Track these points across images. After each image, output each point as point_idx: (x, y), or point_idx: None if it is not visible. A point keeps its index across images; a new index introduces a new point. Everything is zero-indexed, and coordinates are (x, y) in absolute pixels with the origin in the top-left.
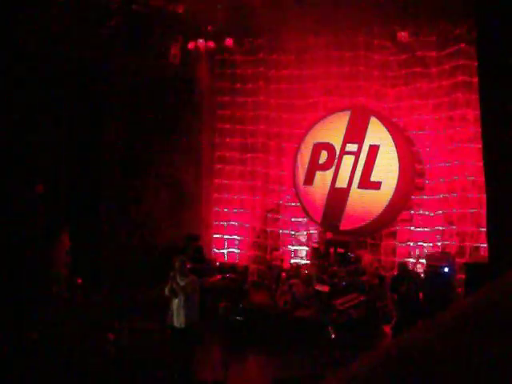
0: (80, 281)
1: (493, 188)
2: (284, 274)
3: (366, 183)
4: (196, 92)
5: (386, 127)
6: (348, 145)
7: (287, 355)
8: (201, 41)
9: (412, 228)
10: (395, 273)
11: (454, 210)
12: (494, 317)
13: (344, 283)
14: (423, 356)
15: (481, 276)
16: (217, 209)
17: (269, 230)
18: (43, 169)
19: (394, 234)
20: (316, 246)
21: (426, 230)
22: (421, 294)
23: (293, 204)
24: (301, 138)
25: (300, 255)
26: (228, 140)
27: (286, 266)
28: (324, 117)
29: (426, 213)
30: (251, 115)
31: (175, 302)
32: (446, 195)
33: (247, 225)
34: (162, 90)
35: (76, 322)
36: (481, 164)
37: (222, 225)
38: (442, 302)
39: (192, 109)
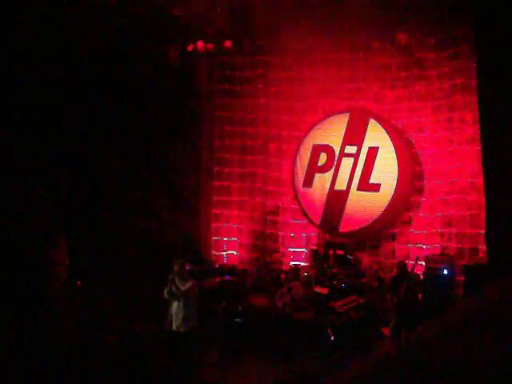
0: (79, 283)
1: (492, 190)
2: (283, 276)
3: (365, 185)
4: (195, 94)
5: (385, 129)
6: (347, 147)
7: (286, 357)
8: (200, 43)
9: (411, 230)
10: (394, 275)
11: (453, 212)
12: (493, 318)
13: (343, 285)
14: (422, 356)
15: (480, 278)
16: (216, 211)
17: (268, 232)
18: (43, 169)
19: (393, 236)
20: (315, 248)
21: (424, 231)
22: (420, 296)
23: (292, 206)
24: (300, 140)
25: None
26: (227, 142)
27: (285, 268)
28: (323, 119)
29: (425, 215)
30: (250, 117)
31: (174, 305)
32: (445, 197)
33: (246, 227)
34: (160, 92)
35: (75, 323)
36: (480, 166)
37: (222, 227)
38: (441, 304)
39: (191, 111)
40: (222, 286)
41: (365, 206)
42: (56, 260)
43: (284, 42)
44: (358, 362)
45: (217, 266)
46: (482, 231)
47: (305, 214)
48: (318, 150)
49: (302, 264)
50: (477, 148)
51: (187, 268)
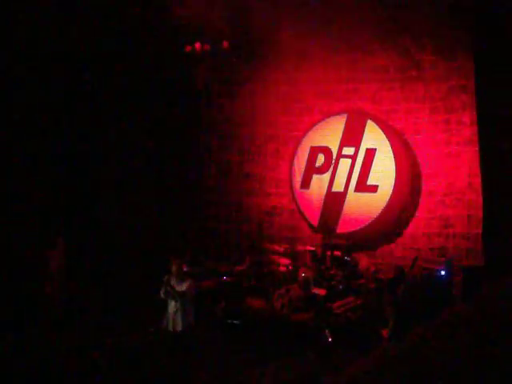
0: (77, 284)
1: (489, 191)
2: (281, 278)
3: (363, 187)
4: (193, 95)
5: (383, 130)
6: (345, 148)
7: (284, 358)
8: (198, 44)
9: (409, 231)
10: (392, 276)
11: (451, 213)
12: (492, 318)
13: (341, 286)
14: (422, 357)
15: (477, 278)
16: (215, 211)
17: (265, 233)
18: (42, 170)
19: (390, 237)
20: (313, 249)
21: (422, 232)
22: (417, 297)
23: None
24: (297, 142)
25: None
26: (225, 143)
27: (282, 269)
28: (321, 120)
29: (423, 215)
30: (248, 118)
31: (171, 305)
32: (443, 198)
33: (244, 228)
34: (159, 92)
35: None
36: (477, 167)
37: (220, 228)
38: (438, 305)
39: (189, 112)
40: (220, 287)
41: (362, 207)
42: (52, 260)
43: (282, 43)
44: (356, 364)
45: (214, 266)
46: (480, 232)
47: (302, 216)
48: (315, 151)
49: (300, 265)
50: (474, 149)
51: (185, 269)
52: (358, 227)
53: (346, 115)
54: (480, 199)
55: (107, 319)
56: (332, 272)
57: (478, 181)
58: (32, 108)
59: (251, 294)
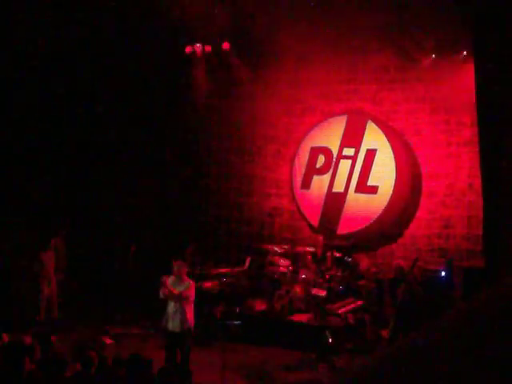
0: (76, 285)
1: (489, 192)
2: (281, 279)
3: (363, 187)
4: (193, 96)
5: (383, 131)
6: (345, 149)
7: (284, 359)
8: (198, 44)
9: (409, 231)
10: (392, 277)
11: (451, 214)
12: (492, 319)
13: (341, 287)
14: (421, 358)
15: (478, 279)
16: (215, 213)
17: (266, 234)
18: (41, 171)
19: (391, 238)
20: (313, 249)
21: (423, 233)
22: (418, 298)
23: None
24: (298, 142)
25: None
26: (225, 143)
27: (282, 270)
28: (321, 121)
29: (423, 216)
30: (248, 119)
31: (171, 305)
32: (443, 199)
33: (244, 229)
34: (159, 93)
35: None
36: (478, 168)
37: (220, 229)
38: (439, 306)
39: (189, 112)
40: (220, 288)
41: (363, 208)
42: (46, 262)
43: (282, 44)
44: (356, 364)
45: (215, 267)
46: (480, 233)
47: (303, 216)
48: (316, 151)
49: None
50: (474, 150)
51: (186, 270)
52: (359, 228)
53: (346, 116)
54: (480, 200)
55: (107, 319)
56: (332, 273)
57: (478, 181)
58: (32, 108)
59: (251, 295)
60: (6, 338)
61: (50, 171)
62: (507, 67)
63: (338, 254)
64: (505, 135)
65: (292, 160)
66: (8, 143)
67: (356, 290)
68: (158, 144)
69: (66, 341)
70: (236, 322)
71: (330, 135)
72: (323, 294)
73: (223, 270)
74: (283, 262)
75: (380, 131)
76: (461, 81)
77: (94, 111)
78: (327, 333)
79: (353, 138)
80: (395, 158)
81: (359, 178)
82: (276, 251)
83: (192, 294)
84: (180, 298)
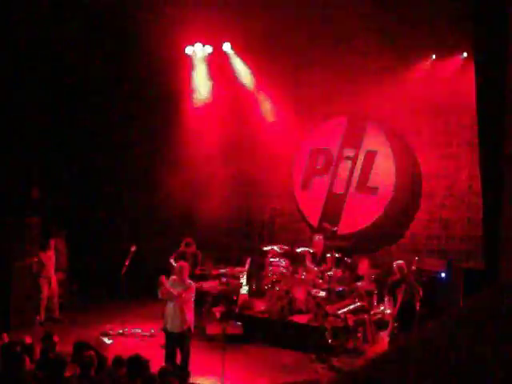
0: (76, 286)
1: (489, 193)
2: (281, 279)
3: (363, 188)
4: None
5: (383, 132)
6: (345, 150)
7: (284, 360)
8: (198, 45)
9: (409, 232)
10: (392, 278)
11: (451, 215)
12: (492, 320)
13: (341, 288)
14: (421, 358)
15: (478, 281)
16: (215, 214)
17: (266, 235)
18: (41, 172)
19: (391, 239)
20: (313, 250)
21: (423, 234)
22: (418, 299)
23: (290, 209)
24: (298, 144)
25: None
26: (225, 144)
27: (282, 270)
28: (321, 122)
29: (423, 217)
30: (248, 120)
31: (170, 306)
32: (443, 200)
33: (244, 229)
34: (159, 93)
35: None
36: (477, 169)
37: (220, 229)
38: (439, 307)
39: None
40: (220, 288)
41: (363, 209)
42: (46, 262)
43: (281, 45)
44: (357, 365)
45: (215, 268)
46: (480, 234)
47: (303, 217)
48: (316, 153)
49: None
50: (474, 151)
51: (187, 271)
52: (359, 228)
53: (346, 117)
54: (480, 201)
55: (107, 319)
56: (332, 273)
57: (478, 183)
58: (32, 108)
59: (252, 295)
60: (6, 337)
61: (51, 171)
62: (507, 67)
63: (337, 255)
64: (505, 136)
65: (292, 161)
66: (8, 143)
67: (356, 291)
68: (158, 144)
69: (66, 341)
70: (236, 323)
71: (330, 136)
72: (323, 294)
73: (223, 271)
74: (283, 262)
75: (380, 132)
76: (461, 81)
77: (95, 111)
78: (327, 333)
79: (353, 138)
80: (395, 158)
81: (359, 178)
82: (276, 252)
83: (192, 294)
84: (179, 299)
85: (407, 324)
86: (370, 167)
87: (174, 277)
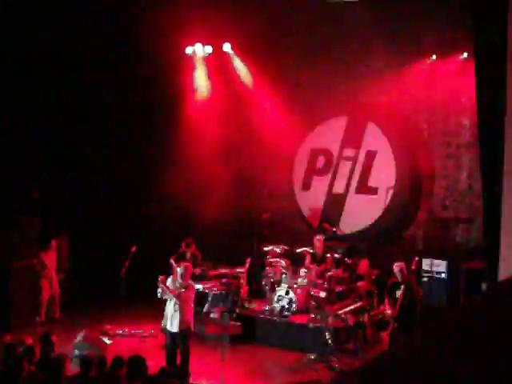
0: (77, 286)
1: (489, 194)
2: (281, 279)
3: (364, 188)
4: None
5: (384, 133)
6: (345, 150)
7: (284, 360)
8: (198, 45)
9: (409, 233)
10: (392, 278)
11: (451, 215)
12: (492, 320)
13: (341, 289)
14: (421, 358)
15: (478, 281)
16: (214, 214)
17: (266, 235)
18: (41, 173)
19: (391, 239)
20: (313, 250)
21: (423, 234)
22: (418, 300)
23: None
24: (298, 144)
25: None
26: (224, 144)
27: (282, 270)
28: (321, 122)
29: (424, 218)
30: (248, 120)
31: (170, 306)
32: (443, 201)
33: (244, 229)
34: (158, 93)
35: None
36: (478, 169)
37: (220, 229)
38: (439, 307)
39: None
40: (219, 289)
41: (363, 209)
42: (47, 262)
43: (282, 45)
44: (356, 366)
45: (215, 268)
46: (481, 234)
47: (303, 217)
48: (316, 153)
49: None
50: (475, 151)
51: (190, 272)
52: (359, 229)
53: (346, 117)
54: (480, 201)
55: (107, 319)
56: (332, 274)
57: (478, 183)
58: (32, 109)
59: (252, 295)
60: (6, 337)
61: (51, 171)
62: (507, 67)
63: (338, 255)
64: (505, 137)
65: (292, 161)
66: (8, 143)
67: (356, 292)
68: (158, 144)
69: (67, 341)
70: (236, 323)
71: (330, 136)
72: (323, 294)
73: (223, 271)
74: (283, 262)
75: (380, 132)
76: (461, 81)
77: (95, 111)
78: (327, 334)
79: (353, 139)
80: (395, 159)
81: (359, 178)
82: (276, 252)
83: (191, 294)
84: (179, 299)
85: (407, 325)
86: (371, 167)
87: (173, 276)
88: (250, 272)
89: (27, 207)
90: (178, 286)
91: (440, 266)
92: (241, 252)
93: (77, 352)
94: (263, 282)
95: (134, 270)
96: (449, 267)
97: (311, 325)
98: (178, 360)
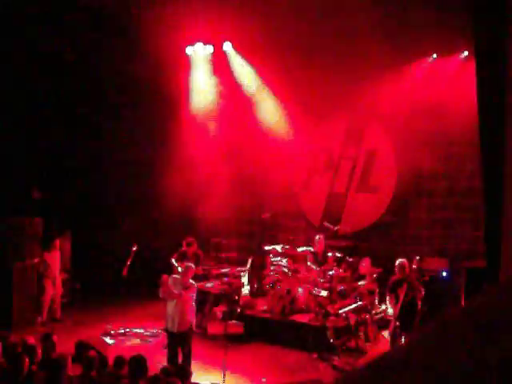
0: (79, 286)
1: (490, 192)
2: (282, 279)
3: (364, 187)
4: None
5: (384, 132)
6: (346, 149)
7: (285, 360)
8: (199, 44)
9: (411, 232)
10: (394, 277)
11: (452, 214)
12: (492, 320)
13: (342, 288)
14: (422, 357)
15: (479, 280)
16: (215, 214)
17: (267, 234)
18: (43, 173)
19: (392, 238)
20: (314, 250)
21: (424, 233)
22: (419, 298)
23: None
24: (299, 143)
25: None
26: (224, 144)
27: (284, 270)
28: (321, 122)
29: (424, 217)
30: (248, 120)
31: (171, 305)
32: (444, 199)
33: (245, 229)
34: (158, 93)
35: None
36: (479, 168)
37: (220, 229)
38: (440, 307)
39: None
40: (221, 288)
41: (364, 207)
42: (51, 262)
43: (282, 45)
44: (358, 365)
45: (216, 267)
46: (481, 233)
47: (304, 216)
48: (317, 152)
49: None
50: (475, 151)
51: (192, 272)
52: (360, 228)
53: (346, 117)
54: (480, 201)
55: (108, 319)
56: (333, 273)
57: (479, 182)
58: (32, 110)
59: (253, 295)
60: (12, 338)
61: (52, 171)
62: (507, 66)
63: (339, 254)
64: (506, 136)
65: (293, 161)
66: (8, 143)
67: (357, 290)
68: (159, 144)
69: (68, 341)
70: (237, 322)
71: (331, 136)
72: (324, 294)
73: (224, 270)
74: (284, 261)
75: (380, 131)
76: (461, 81)
77: (95, 111)
78: (328, 333)
79: (354, 138)
80: (396, 158)
81: (360, 178)
82: (277, 251)
83: (193, 294)
84: (181, 298)
85: (409, 323)
86: (371, 166)
87: (175, 276)
88: (252, 271)
89: (28, 207)
90: (179, 285)
91: (441, 266)
92: (242, 252)
93: None
94: (264, 282)
95: (135, 269)
96: (450, 266)
97: (312, 324)
98: (180, 359)
